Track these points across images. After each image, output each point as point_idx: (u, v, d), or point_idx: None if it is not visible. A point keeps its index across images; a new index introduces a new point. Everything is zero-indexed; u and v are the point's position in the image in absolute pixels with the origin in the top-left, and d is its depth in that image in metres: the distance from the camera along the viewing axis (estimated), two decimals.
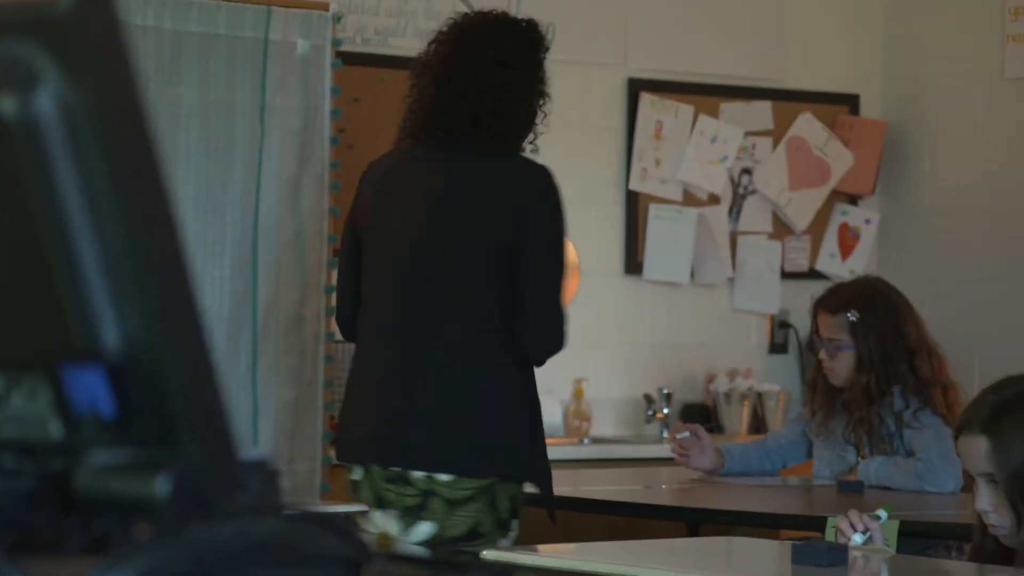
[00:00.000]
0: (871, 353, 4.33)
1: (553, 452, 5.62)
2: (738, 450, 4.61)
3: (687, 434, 4.56)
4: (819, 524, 3.70)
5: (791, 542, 2.48)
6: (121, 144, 1.01)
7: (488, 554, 2.38)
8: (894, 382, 4.33)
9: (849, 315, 4.36)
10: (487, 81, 3.88)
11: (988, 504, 2.65)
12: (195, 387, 1.03)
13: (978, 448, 2.67)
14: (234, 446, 1.04)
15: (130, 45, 1.01)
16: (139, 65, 1.04)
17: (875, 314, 4.36)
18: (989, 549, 2.70)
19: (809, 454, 4.59)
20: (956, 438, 2.73)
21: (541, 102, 3.93)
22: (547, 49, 3.97)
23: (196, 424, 1.03)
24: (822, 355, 4.41)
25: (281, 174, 5.14)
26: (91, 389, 1.03)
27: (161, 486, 1.02)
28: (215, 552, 1.00)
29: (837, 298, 4.45)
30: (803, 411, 4.65)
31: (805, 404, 4.65)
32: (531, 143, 3.97)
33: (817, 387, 4.49)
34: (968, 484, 4.00)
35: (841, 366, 4.38)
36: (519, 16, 4.00)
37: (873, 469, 4.32)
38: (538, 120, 3.94)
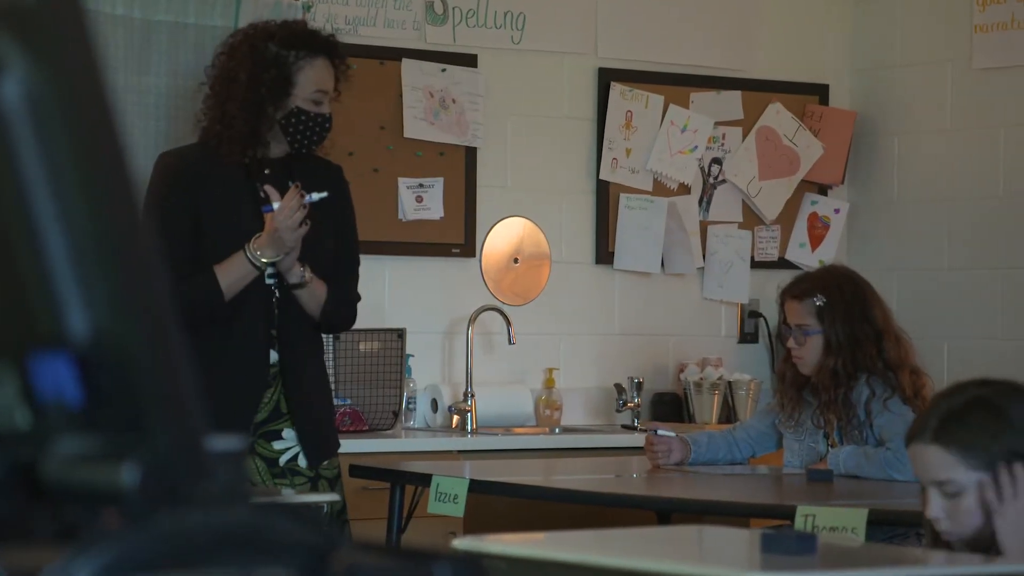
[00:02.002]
0: (838, 336, 4.36)
1: (524, 441, 5.65)
2: (705, 439, 4.62)
3: (672, 433, 4.60)
4: (789, 513, 3.72)
5: (761, 530, 2.48)
6: (86, 132, 1.01)
7: (458, 542, 2.38)
8: (862, 366, 4.36)
9: (816, 299, 4.40)
10: None
11: (940, 511, 2.67)
12: (162, 375, 1.03)
13: (929, 457, 2.68)
14: (202, 435, 1.03)
15: (96, 33, 1.01)
16: (105, 53, 1.04)
17: (841, 298, 4.40)
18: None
19: (779, 445, 4.61)
20: (907, 446, 2.75)
21: (264, 102, 4.16)
22: (300, 52, 4.17)
23: (163, 412, 1.02)
24: (791, 343, 4.43)
25: None
26: (58, 377, 1.03)
27: (128, 475, 1.01)
28: (182, 541, 1.00)
29: (803, 284, 4.49)
30: (772, 402, 4.66)
31: (775, 395, 4.67)
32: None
33: (786, 378, 4.51)
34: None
35: (810, 352, 4.40)
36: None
37: (842, 458, 4.34)
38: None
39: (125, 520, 1.01)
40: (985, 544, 2.68)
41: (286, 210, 4.01)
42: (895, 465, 4.23)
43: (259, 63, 4.12)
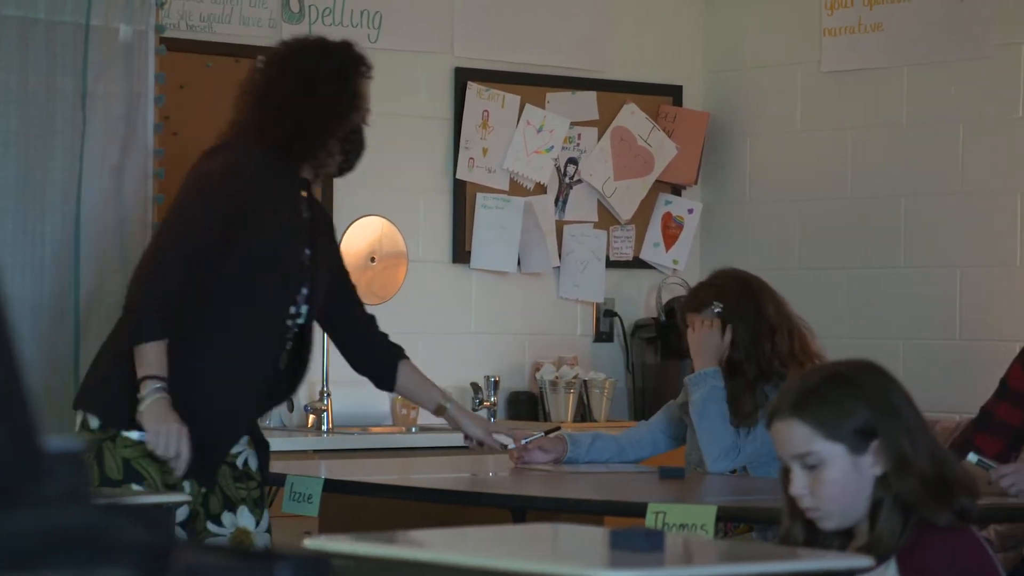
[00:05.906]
0: (740, 336, 4.42)
1: (381, 440, 5.65)
2: (589, 440, 4.59)
3: (538, 434, 4.61)
4: (641, 510, 3.76)
5: (610, 529, 2.52)
6: None
7: (309, 542, 2.38)
8: (763, 370, 4.39)
9: (714, 307, 4.45)
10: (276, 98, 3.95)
11: (803, 488, 2.73)
12: None
13: (789, 431, 2.75)
14: (38, 435, 1.03)
15: None
16: None
17: (737, 300, 4.47)
18: (797, 536, 2.77)
19: (673, 445, 4.61)
20: (768, 426, 2.81)
21: (340, 116, 3.94)
22: (360, 68, 3.99)
23: None
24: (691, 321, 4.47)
25: (104, 161, 5.07)
26: None
27: None
28: (17, 542, 1.00)
29: (699, 298, 4.52)
30: (674, 402, 4.64)
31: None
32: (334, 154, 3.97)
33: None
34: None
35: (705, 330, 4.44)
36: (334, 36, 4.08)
37: (705, 390, 4.39)
38: (333, 131, 3.95)
39: None
40: (849, 530, 2.74)
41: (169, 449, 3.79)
42: (716, 437, 4.29)
43: (336, 77, 3.93)
